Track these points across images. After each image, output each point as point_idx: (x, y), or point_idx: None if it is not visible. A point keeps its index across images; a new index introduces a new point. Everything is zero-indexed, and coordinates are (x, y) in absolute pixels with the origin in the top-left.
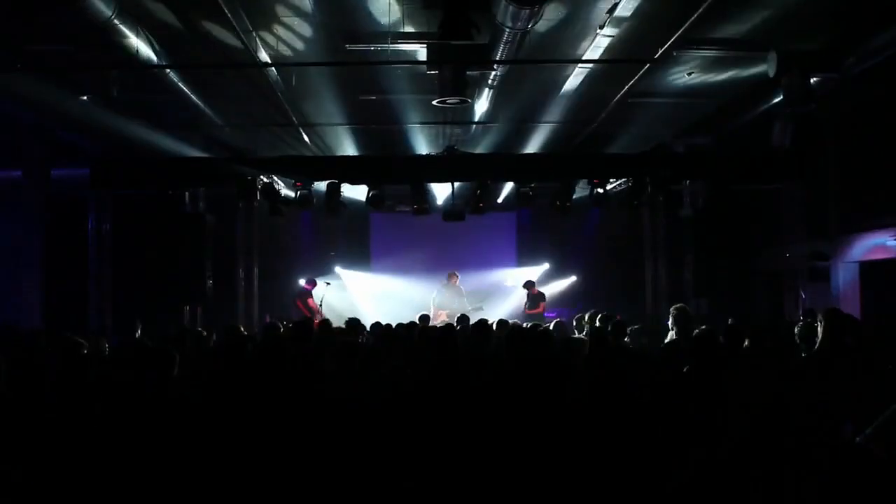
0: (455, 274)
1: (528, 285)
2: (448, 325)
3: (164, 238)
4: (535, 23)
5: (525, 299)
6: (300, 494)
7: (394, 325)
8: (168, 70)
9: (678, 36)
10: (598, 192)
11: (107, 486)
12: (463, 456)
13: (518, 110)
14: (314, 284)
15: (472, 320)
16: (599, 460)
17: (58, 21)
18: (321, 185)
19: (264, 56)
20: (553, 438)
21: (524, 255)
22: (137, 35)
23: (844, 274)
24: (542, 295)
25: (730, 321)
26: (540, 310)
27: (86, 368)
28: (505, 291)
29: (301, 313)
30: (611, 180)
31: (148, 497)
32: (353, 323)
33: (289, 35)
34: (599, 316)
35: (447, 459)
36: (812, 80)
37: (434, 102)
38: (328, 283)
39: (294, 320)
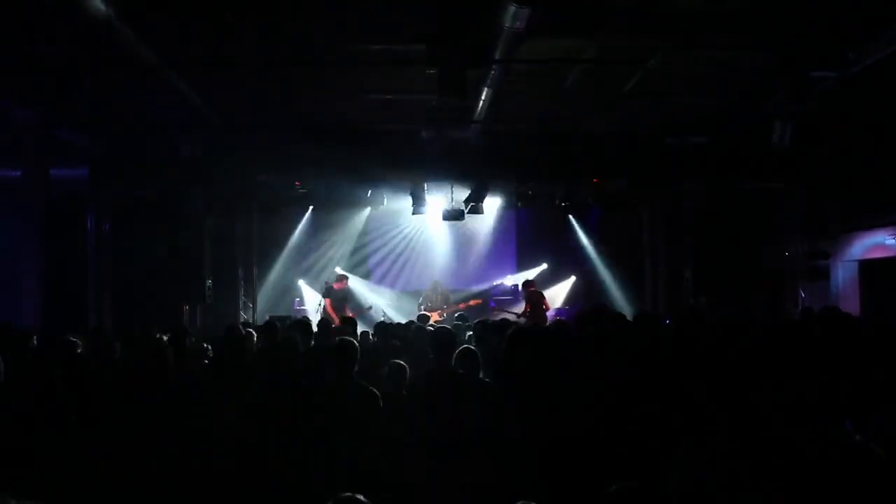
0: (438, 281)
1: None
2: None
3: (164, 238)
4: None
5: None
6: (296, 491)
7: (393, 323)
8: (168, 69)
9: (677, 35)
10: (597, 191)
11: (105, 484)
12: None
13: (518, 110)
14: (345, 282)
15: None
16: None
17: (58, 20)
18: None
19: (264, 55)
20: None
21: (524, 255)
22: (137, 34)
23: (844, 272)
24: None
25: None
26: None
27: (85, 368)
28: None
29: (329, 316)
30: (610, 180)
31: (146, 494)
32: (350, 321)
33: (289, 34)
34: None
35: (446, 456)
36: (812, 80)
37: (434, 102)
38: (327, 283)
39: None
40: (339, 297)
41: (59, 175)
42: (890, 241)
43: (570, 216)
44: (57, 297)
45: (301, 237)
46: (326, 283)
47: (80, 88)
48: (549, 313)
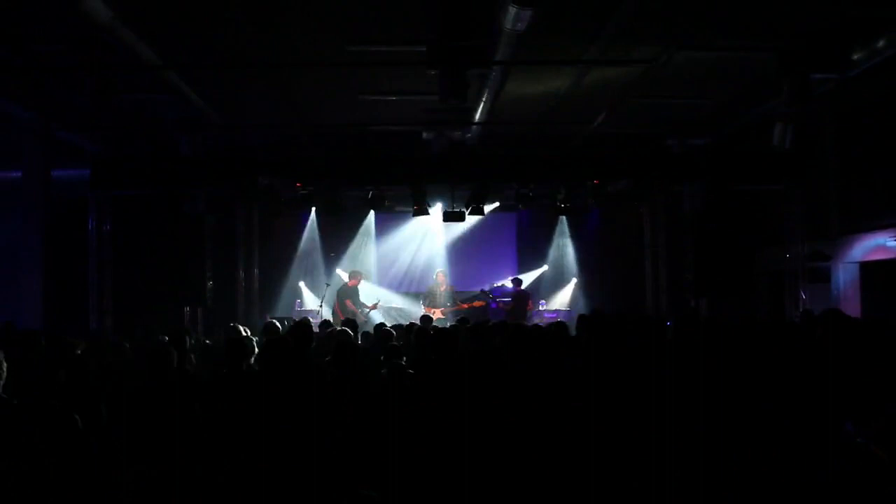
0: (442, 273)
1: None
2: (449, 327)
3: (164, 238)
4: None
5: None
6: (297, 492)
7: (393, 326)
8: (168, 70)
9: (678, 36)
10: (597, 192)
11: (110, 486)
12: (460, 452)
13: (518, 111)
14: (359, 280)
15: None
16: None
17: (59, 21)
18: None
19: (264, 55)
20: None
21: (524, 256)
22: (137, 34)
23: (845, 274)
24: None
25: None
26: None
27: (86, 369)
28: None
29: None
30: (611, 181)
31: (148, 496)
32: (350, 323)
33: (289, 35)
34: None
35: (445, 456)
36: (812, 80)
37: (434, 103)
38: (327, 285)
39: (295, 320)
40: (353, 294)
41: (60, 175)
42: (891, 243)
43: (564, 218)
44: (57, 298)
45: (302, 238)
46: (327, 284)
47: (80, 88)
48: (550, 315)
